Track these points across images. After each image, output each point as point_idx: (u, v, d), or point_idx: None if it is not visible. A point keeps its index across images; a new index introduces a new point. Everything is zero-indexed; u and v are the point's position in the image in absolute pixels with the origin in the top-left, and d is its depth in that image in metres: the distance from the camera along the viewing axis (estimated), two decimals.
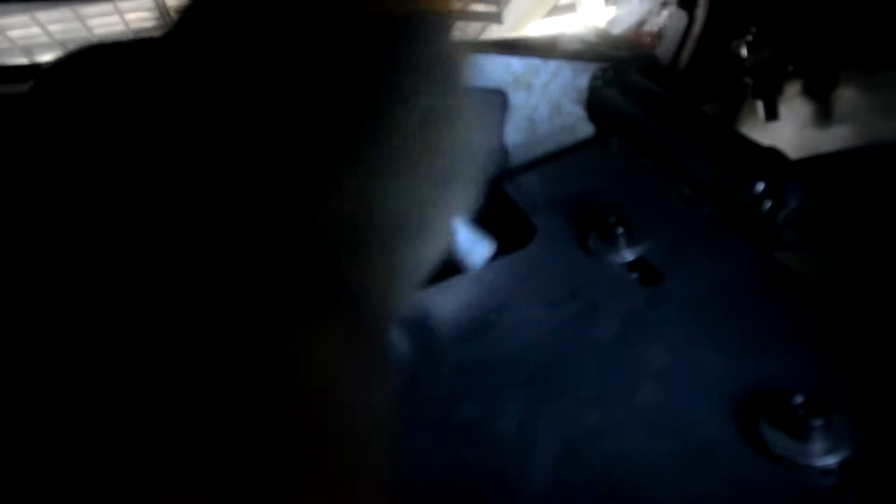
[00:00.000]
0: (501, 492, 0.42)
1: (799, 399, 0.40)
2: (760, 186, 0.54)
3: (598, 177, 0.67)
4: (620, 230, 0.56)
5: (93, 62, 0.55)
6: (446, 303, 0.57)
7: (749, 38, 0.79)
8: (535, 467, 0.43)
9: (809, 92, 0.80)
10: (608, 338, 0.50)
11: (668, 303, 0.52)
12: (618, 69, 0.73)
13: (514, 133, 0.72)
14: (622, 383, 0.47)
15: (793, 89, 0.82)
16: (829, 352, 0.46)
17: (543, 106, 0.72)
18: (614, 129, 0.72)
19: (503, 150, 0.72)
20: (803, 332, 0.48)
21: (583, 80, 0.73)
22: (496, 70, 0.68)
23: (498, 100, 0.69)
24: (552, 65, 0.71)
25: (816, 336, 0.47)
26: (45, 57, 8.88)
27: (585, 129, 0.75)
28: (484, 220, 0.71)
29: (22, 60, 8.71)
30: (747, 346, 0.47)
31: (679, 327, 0.50)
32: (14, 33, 8.26)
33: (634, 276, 0.55)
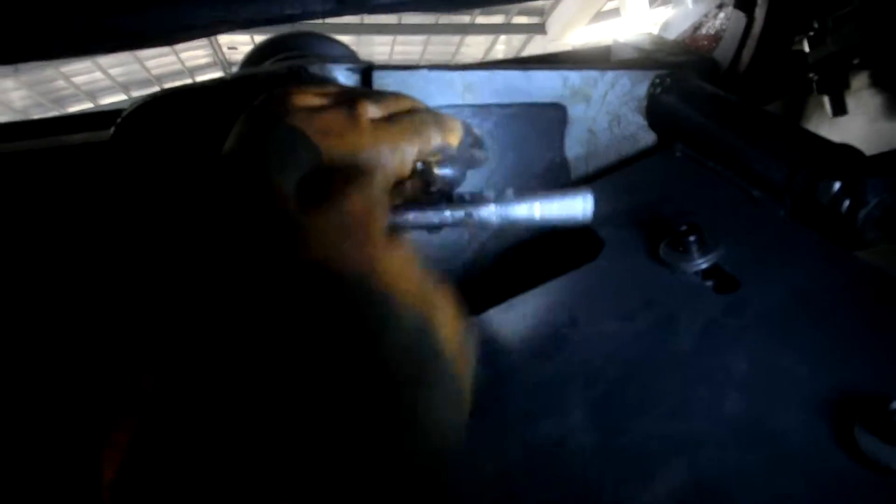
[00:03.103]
0: None
1: None
2: (837, 185, 0.53)
3: (663, 185, 0.67)
4: (692, 238, 0.55)
5: (165, 110, 0.57)
6: (517, 319, 0.57)
7: (811, 33, 0.78)
8: (620, 483, 0.42)
9: (878, 83, 0.78)
10: (687, 348, 0.50)
11: (747, 310, 0.51)
12: (676, 75, 0.72)
13: (574, 146, 0.72)
14: (705, 394, 0.46)
15: (860, 82, 0.80)
16: None
17: (603, 117, 0.72)
18: (677, 136, 0.71)
19: (564, 164, 0.72)
20: (893, 333, 0.46)
21: (641, 89, 0.72)
22: (554, 85, 0.68)
23: (557, 115, 0.69)
24: (609, 75, 0.70)
25: None
26: (109, 100, 9.27)
27: (647, 138, 0.74)
28: (550, 235, 0.71)
29: (87, 105, 9.11)
30: (834, 351, 0.46)
31: (761, 334, 0.49)
32: (78, 79, 8.64)
33: (710, 283, 0.55)
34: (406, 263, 0.33)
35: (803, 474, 0.40)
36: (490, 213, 0.44)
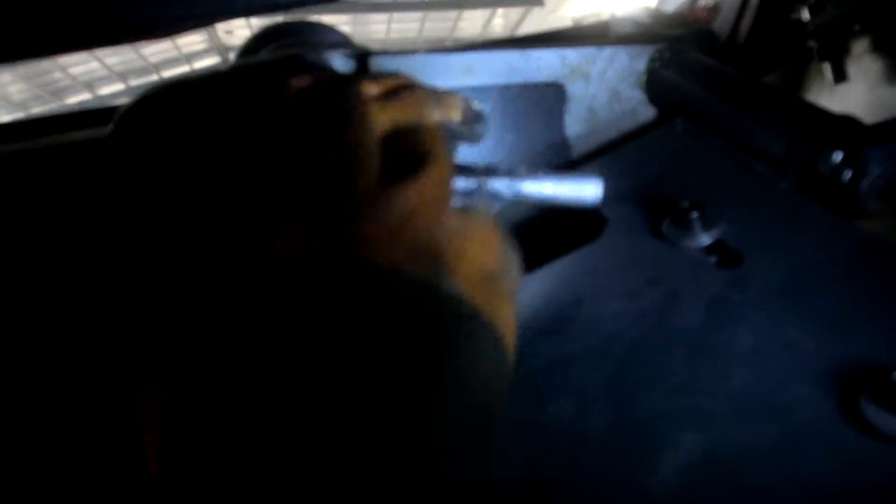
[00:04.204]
0: (608, 488, 0.42)
1: None
2: (839, 156, 0.52)
3: (664, 160, 0.67)
4: (695, 214, 0.55)
5: (163, 105, 0.57)
6: (523, 301, 0.57)
7: (810, 0, 0.77)
8: (634, 460, 0.43)
9: (879, 48, 0.77)
10: (692, 325, 0.50)
11: (751, 284, 0.51)
12: (675, 48, 0.72)
13: (574, 124, 0.71)
14: (712, 370, 0.46)
15: (861, 47, 0.80)
16: None
17: (602, 94, 0.71)
18: (677, 110, 0.71)
19: (564, 143, 0.72)
20: None
21: (640, 64, 0.72)
22: (552, 64, 0.68)
23: (556, 94, 0.69)
24: (608, 51, 0.70)
25: None
26: (107, 90, 9.25)
27: (647, 113, 0.74)
28: (552, 215, 0.71)
29: (86, 96, 9.08)
30: (840, 323, 0.46)
31: (765, 308, 0.49)
32: (75, 70, 8.61)
33: (713, 259, 0.55)
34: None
35: (810, 446, 0.40)
36: (503, 185, 0.44)
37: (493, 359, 0.29)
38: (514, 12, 9.46)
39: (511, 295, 0.33)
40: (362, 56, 0.59)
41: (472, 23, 9.87)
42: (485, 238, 0.32)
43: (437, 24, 9.70)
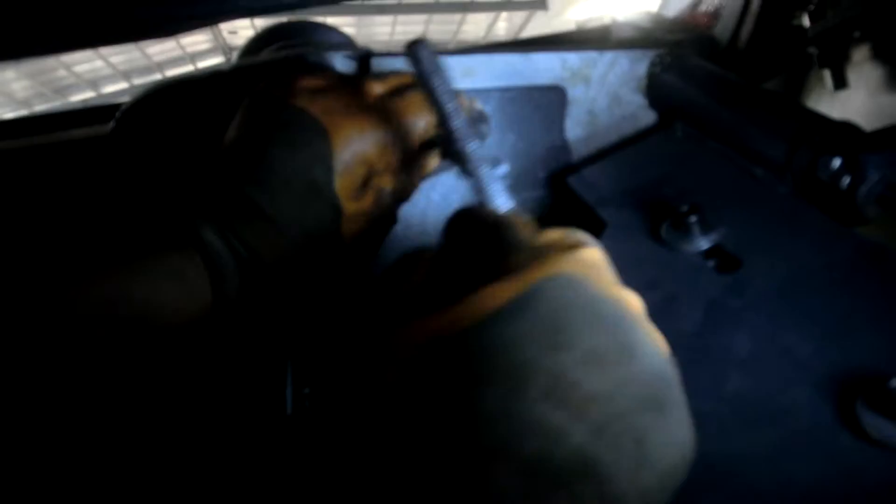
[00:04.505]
0: None
1: None
2: (837, 162, 0.52)
3: (664, 164, 0.67)
4: (693, 218, 0.55)
5: (164, 103, 0.58)
6: None
7: (811, 6, 0.77)
8: None
9: (879, 56, 0.77)
10: (691, 329, 0.50)
11: (749, 289, 0.51)
12: (676, 53, 0.72)
13: (575, 128, 0.71)
14: (710, 374, 0.46)
15: (861, 54, 0.80)
16: None
17: (603, 98, 0.72)
18: (677, 115, 0.71)
19: (565, 146, 0.72)
20: (895, 310, 0.46)
21: (641, 68, 0.72)
22: (553, 67, 0.68)
23: (557, 97, 0.69)
24: (609, 55, 0.70)
25: None
26: (111, 88, 9.26)
27: (647, 117, 0.74)
28: (552, 218, 0.71)
29: (89, 94, 9.09)
30: (838, 328, 0.46)
31: (763, 313, 0.49)
32: (79, 68, 8.63)
33: (711, 263, 0.55)
34: None
35: (807, 452, 0.40)
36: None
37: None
38: (518, 16, 9.47)
39: None
40: (364, 57, 0.59)
41: (475, 26, 9.88)
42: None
43: (441, 26, 9.72)
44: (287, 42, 0.68)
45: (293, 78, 0.50)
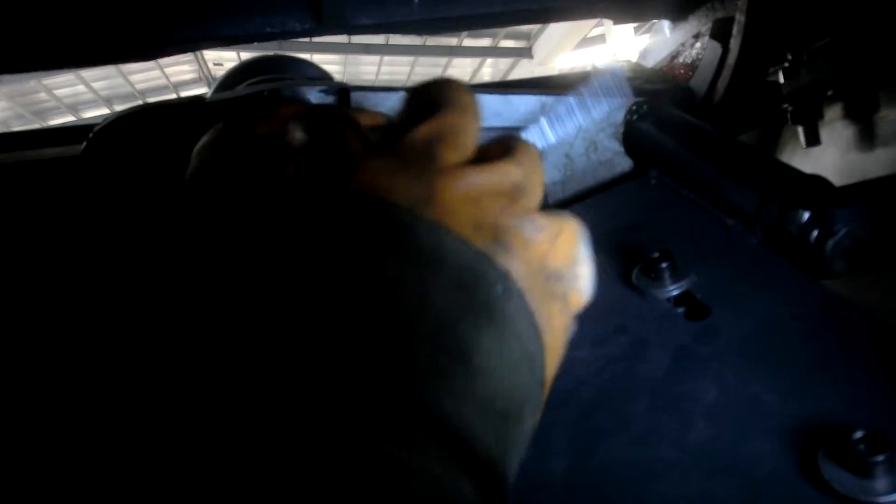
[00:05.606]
0: None
1: (859, 434, 0.39)
2: (806, 215, 0.53)
3: (638, 211, 0.67)
4: (664, 265, 0.55)
5: (137, 126, 0.57)
6: None
7: (786, 64, 0.79)
8: None
9: (851, 115, 0.79)
10: (657, 374, 0.50)
11: (717, 337, 0.51)
12: (653, 102, 0.73)
13: (551, 171, 0.72)
14: (674, 421, 0.46)
15: (833, 113, 0.82)
16: (888, 383, 0.45)
17: (580, 142, 0.72)
18: (652, 163, 0.72)
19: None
20: (859, 364, 0.46)
21: (618, 115, 0.73)
22: (532, 109, 0.69)
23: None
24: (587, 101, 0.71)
25: (873, 367, 0.46)
26: (91, 113, 9.23)
27: (623, 164, 0.75)
28: None
29: (69, 118, 9.05)
30: (802, 380, 0.46)
31: (729, 362, 0.49)
32: (61, 92, 8.60)
33: (681, 310, 0.55)
34: (471, 194, 0.29)
35: (768, 502, 0.40)
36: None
37: (527, 347, 0.28)
38: (504, 62, 9.64)
39: (567, 303, 0.32)
40: (343, 91, 0.60)
41: (461, 70, 10.03)
42: (561, 238, 0.31)
43: (427, 69, 9.85)
44: (264, 76, 0.68)
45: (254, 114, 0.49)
